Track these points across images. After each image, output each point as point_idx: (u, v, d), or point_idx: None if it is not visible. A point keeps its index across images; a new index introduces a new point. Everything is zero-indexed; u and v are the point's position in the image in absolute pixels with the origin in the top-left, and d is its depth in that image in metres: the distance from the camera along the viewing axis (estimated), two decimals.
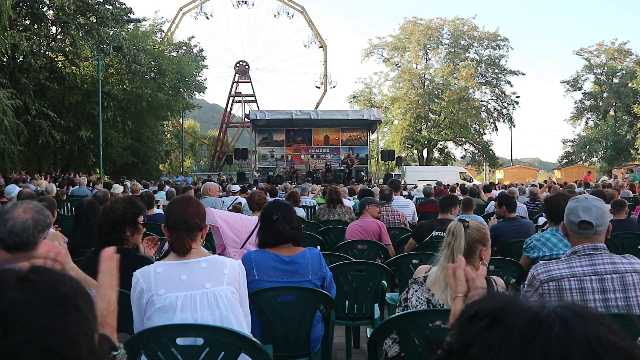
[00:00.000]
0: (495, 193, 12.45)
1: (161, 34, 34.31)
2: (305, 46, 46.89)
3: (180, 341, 2.01)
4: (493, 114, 45.79)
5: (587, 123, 46.43)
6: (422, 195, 9.88)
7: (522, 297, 0.63)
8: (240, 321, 2.18)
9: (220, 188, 10.08)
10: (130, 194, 10.49)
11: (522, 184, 14.81)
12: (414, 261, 3.90)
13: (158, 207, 7.09)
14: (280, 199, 9.14)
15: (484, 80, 45.04)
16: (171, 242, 2.23)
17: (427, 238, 4.60)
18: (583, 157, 44.72)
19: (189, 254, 2.21)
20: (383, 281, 3.65)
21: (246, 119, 37.21)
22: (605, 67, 43.62)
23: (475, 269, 2.27)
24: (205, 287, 2.14)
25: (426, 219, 6.69)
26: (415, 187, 16.58)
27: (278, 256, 2.78)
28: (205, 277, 2.16)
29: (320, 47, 46.78)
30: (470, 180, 28.32)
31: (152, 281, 2.12)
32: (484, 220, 6.35)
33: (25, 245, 2.09)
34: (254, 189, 11.93)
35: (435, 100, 43.44)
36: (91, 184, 14.57)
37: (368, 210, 5.21)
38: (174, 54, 32.96)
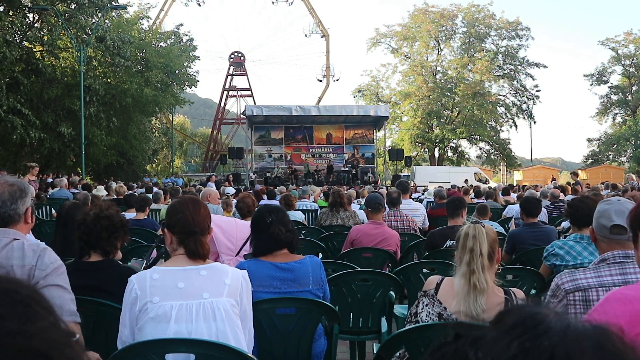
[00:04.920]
0: (513, 196, 12.44)
1: (147, 21, 34.35)
2: (305, 35, 46.99)
3: (170, 357, 2.01)
4: (511, 110, 45.83)
5: (614, 119, 46.41)
6: (433, 198, 9.87)
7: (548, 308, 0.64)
8: (238, 336, 2.18)
9: None
10: (115, 196, 10.53)
11: (543, 186, 14.77)
12: (424, 270, 3.89)
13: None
14: (274, 202, 9.15)
15: (502, 73, 45.06)
16: (188, 246, 2.24)
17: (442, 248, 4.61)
18: (610, 157, 44.67)
19: (206, 259, 2.26)
20: (391, 292, 3.65)
21: (242, 115, 37.26)
22: (635, 58, 43.54)
23: (494, 271, 2.31)
24: (203, 297, 2.14)
25: (438, 224, 6.70)
26: (426, 189, 16.57)
27: (273, 264, 2.79)
28: (204, 287, 2.17)
29: (323, 36, 46.84)
30: (485, 181, 28.32)
31: (148, 287, 2.13)
32: (499, 226, 6.40)
33: (9, 217, 2.33)
34: (250, 191, 11.95)
35: (448, 94, 43.45)
36: (75, 185, 14.59)
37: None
38: (162, 44, 32.99)
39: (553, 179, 25.18)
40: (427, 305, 2.33)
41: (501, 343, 0.57)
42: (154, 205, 8.43)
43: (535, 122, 42.32)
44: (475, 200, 10.48)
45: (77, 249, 2.76)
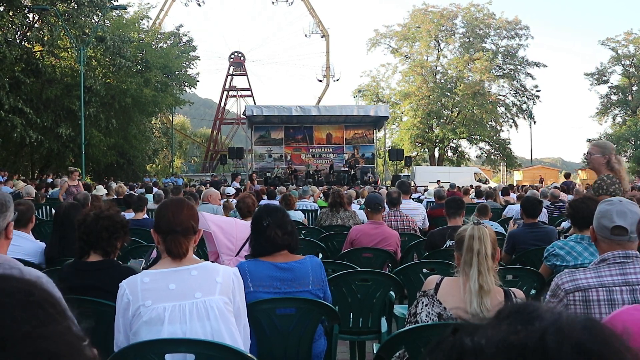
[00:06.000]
0: (513, 196, 12.44)
1: (147, 21, 34.33)
2: (306, 36, 46.99)
3: (169, 357, 2.00)
4: (511, 110, 45.83)
5: (614, 120, 46.42)
6: (433, 198, 9.87)
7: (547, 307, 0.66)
8: (234, 334, 2.18)
9: None
10: (115, 197, 10.53)
11: (543, 186, 14.77)
12: (424, 270, 3.89)
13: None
14: (273, 202, 9.15)
15: (502, 73, 45.07)
16: (166, 245, 2.22)
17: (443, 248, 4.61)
18: None
19: (185, 258, 2.22)
20: (391, 292, 3.65)
21: (242, 115, 37.25)
22: (635, 58, 43.53)
23: (495, 271, 2.30)
24: (196, 297, 2.13)
25: (438, 224, 6.69)
26: (426, 189, 16.56)
27: (273, 264, 2.78)
28: (196, 286, 2.16)
29: (323, 36, 46.82)
30: (485, 181, 28.33)
31: (139, 292, 2.12)
32: (499, 226, 6.39)
33: None
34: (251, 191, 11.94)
35: (448, 94, 43.46)
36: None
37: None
38: (162, 44, 32.98)
39: (541, 180, 25.29)
40: (426, 305, 2.32)
41: (495, 328, 0.61)
42: (153, 206, 8.43)
43: (535, 122, 42.37)
44: (476, 200, 10.48)
45: (77, 249, 2.75)
